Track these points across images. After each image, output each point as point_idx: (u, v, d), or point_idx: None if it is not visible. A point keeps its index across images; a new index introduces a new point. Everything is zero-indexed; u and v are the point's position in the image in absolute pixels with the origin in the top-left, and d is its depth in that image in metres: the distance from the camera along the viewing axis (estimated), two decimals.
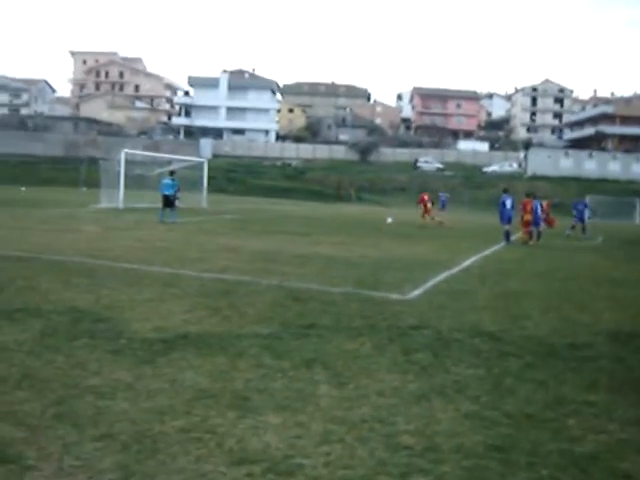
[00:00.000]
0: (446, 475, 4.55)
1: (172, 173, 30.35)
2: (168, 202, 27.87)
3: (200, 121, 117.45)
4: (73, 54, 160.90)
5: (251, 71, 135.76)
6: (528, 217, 26.59)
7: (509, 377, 6.90)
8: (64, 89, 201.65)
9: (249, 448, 4.80)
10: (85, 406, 5.45)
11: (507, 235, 25.73)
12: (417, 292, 12.05)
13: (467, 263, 17.75)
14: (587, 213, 36.28)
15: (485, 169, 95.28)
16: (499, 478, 4.56)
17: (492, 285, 13.74)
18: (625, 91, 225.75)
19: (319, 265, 15.40)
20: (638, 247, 29.82)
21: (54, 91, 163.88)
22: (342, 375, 6.62)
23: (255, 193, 72.78)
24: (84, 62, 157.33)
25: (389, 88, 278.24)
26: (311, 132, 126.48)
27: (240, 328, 8.41)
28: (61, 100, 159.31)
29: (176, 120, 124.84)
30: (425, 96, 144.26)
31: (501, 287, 13.54)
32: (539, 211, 27.72)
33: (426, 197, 37.00)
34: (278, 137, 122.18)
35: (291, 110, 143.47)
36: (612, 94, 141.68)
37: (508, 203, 25.95)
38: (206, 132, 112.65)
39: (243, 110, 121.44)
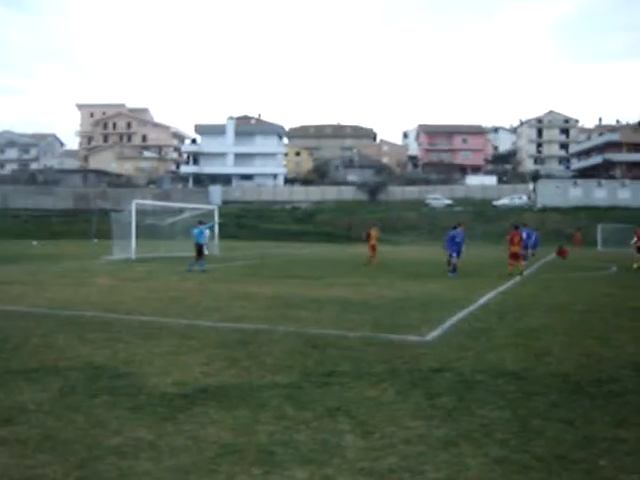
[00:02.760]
0: None
1: (201, 222, 30.29)
2: (200, 251, 27.96)
3: (208, 168, 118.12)
4: (80, 107, 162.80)
5: (257, 116, 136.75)
6: (515, 249, 26.70)
7: (536, 418, 6.78)
8: (72, 142, 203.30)
9: None
10: (108, 468, 5.36)
11: (453, 267, 26.18)
12: (435, 333, 11.93)
13: (483, 300, 17.60)
14: None
15: (495, 203, 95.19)
16: None
17: (511, 322, 13.59)
18: (630, 117, 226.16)
19: (335, 309, 15.29)
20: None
21: (62, 145, 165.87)
22: (366, 424, 6.50)
23: (266, 237, 72.93)
24: (91, 115, 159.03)
25: (395, 126, 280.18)
26: (319, 174, 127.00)
27: (260, 379, 8.31)
28: (70, 153, 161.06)
29: (184, 168, 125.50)
30: (431, 133, 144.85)
31: (520, 323, 13.40)
32: (531, 238, 29.56)
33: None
34: (286, 181, 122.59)
35: (298, 153, 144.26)
36: (617, 121, 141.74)
37: (458, 237, 26.64)
38: (215, 179, 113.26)
39: (251, 156, 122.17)
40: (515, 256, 26.70)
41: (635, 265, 32.00)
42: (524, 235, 35.59)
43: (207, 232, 29.18)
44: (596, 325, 13.37)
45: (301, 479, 5.16)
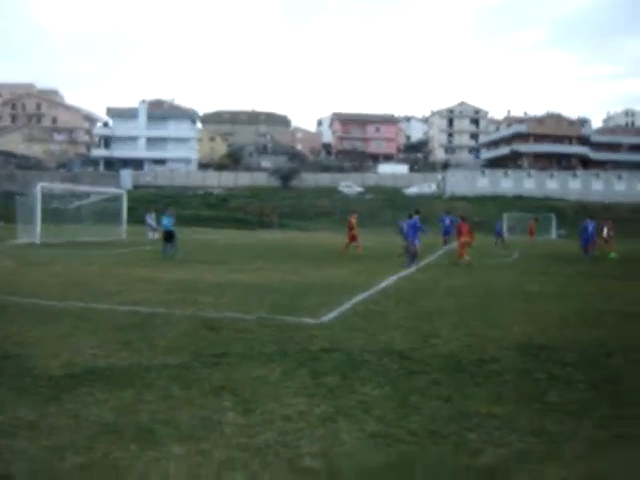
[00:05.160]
0: None
1: (168, 207, 30.20)
2: (169, 237, 27.76)
3: (120, 152, 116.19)
4: None
5: (170, 101, 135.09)
6: (464, 239, 26.76)
7: (415, 395, 7.03)
8: None
9: None
10: None
11: (413, 256, 25.74)
12: (332, 315, 12.14)
13: (384, 284, 17.96)
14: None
15: (405, 191, 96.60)
16: None
17: (406, 305, 13.95)
18: (538, 110, 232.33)
19: (236, 293, 15.37)
20: (553, 261, 30.60)
21: None
22: (249, 402, 6.63)
23: (178, 223, 71.64)
24: None
25: (309, 114, 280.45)
26: (233, 160, 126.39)
27: (150, 360, 8.34)
28: None
29: (96, 152, 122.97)
30: (344, 121, 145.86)
31: (415, 306, 13.77)
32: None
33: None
34: (200, 166, 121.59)
35: (212, 139, 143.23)
36: (525, 113, 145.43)
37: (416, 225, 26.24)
38: (126, 163, 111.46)
39: (163, 140, 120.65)
40: (464, 246, 26.74)
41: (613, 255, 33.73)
42: (447, 222, 36.48)
43: (172, 219, 28.71)
44: (488, 308, 13.85)
45: (177, 454, 5.25)
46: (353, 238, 31.60)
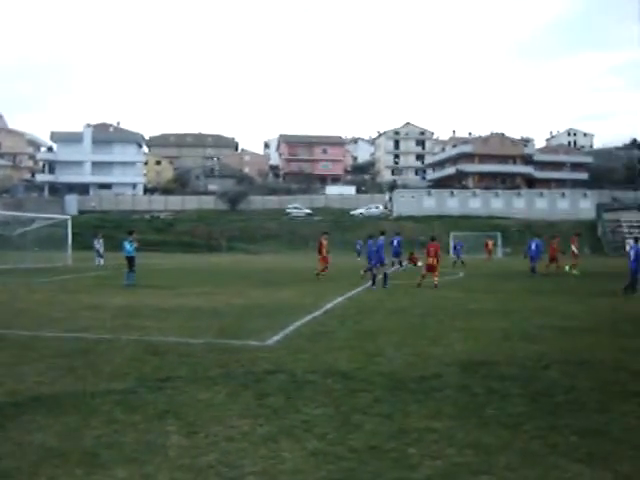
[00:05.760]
0: None
1: (131, 233, 28.81)
2: (131, 263, 26.58)
3: (65, 177, 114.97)
4: None
5: (115, 124, 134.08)
6: (431, 261, 26.19)
7: (357, 413, 7.18)
8: None
9: None
10: None
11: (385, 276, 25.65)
12: (277, 337, 12.27)
13: (330, 306, 18.15)
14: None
15: (353, 212, 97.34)
16: None
17: (351, 325, 14.16)
18: (482, 131, 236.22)
19: (181, 317, 15.39)
20: (497, 279, 31.16)
21: None
22: (193, 424, 6.71)
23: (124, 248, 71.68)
24: None
25: (256, 136, 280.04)
26: (179, 184, 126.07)
27: (94, 386, 8.36)
28: None
29: (40, 177, 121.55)
30: (292, 143, 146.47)
31: (360, 326, 13.98)
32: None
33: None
34: (146, 190, 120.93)
35: (158, 162, 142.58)
36: (470, 134, 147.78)
37: (397, 242, 26.03)
38: (71, 188, 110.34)
39: (109, 164, 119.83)
40: (431, 268, 26.23)
41: (567, 268, 34.99)
42: (395, 243, 36.73)
43: (134, 244, 27.58)
44: (431, 326, 14.12)
45: (122, 478, 5.32)
46: (325, 260, 30.72)
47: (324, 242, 30.97)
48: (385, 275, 25.76)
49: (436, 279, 25.83)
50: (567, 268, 34.84)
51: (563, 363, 10.07)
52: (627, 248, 35.59)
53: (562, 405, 7.66)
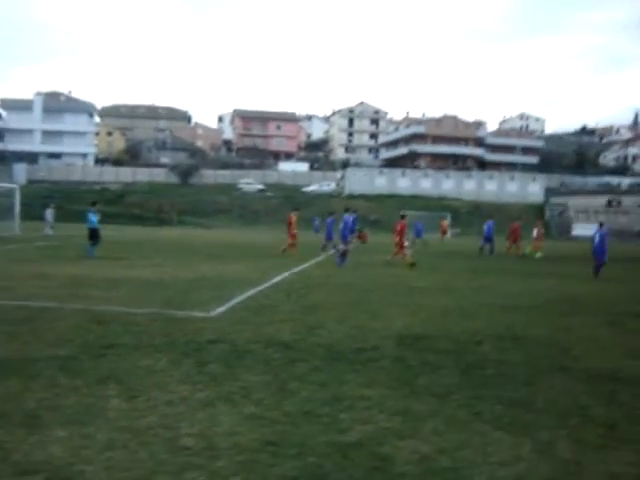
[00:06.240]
0: (220, 469, 4.99)
1: (94, 204, 28.20)
2: (94, 235, 26.08)
3: (14, 145, 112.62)
4: None
5: (67, 93, 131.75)
6: (398, 239, 26.15)
7: (294, 381, 7.45)
8: None
9: (33, 460, 5.03)
10: None
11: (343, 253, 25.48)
12: (221, 309, 12.46)
13: (277, 280, 18.38)
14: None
15: (305, 189, 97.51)
16: (268, 468, 5.05)
17: (296, 299, 14.41)
18: (436, 112, 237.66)
19: (129, 288, 15.48)
20: (444, 259, 31.68)
21: None
22: (134, 389, 6.91)
23: (74, 219, 70.64)
24: None
25: (210, 110, 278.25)
26: (131, 155, 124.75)
27: (38, 352, 8.47)
28: None
29: None
30: (246, 118, 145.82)
31: (304, 300, 14.23)
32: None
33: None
34: (97, 161, 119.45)
35: (110, 133, 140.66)
36: (423, 115, 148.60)
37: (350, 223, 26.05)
38: (20, 157, 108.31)
39: (59, 134, 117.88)
40: (400, 245, 26.18)
41: (527, 250, 36.16)
42: (350, 220, 36.90)
43: (98, 216, 27.03)
44: (374, 302, 14.45)
45: (61, 437, 5.50)
46: (293, 236, 30.15)
47: (294, 218, 30.51)
48: (344, 252, 25.64)
49: (408, 256, 25.76)
50: (527, 251, 35.85)
51: (496, 338, 10.47)
52: (576, 232, 36.99)
53: (491, 377, 8.02)
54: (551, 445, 5.80)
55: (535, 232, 37.74)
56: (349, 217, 26.59)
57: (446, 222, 59.74)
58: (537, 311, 14.02)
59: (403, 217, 27.13)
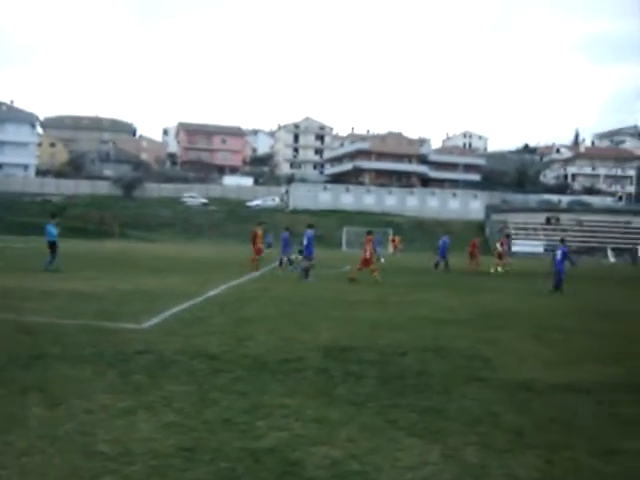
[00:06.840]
0: (133, 474, 5.16)
1: (54, 216, 27.55)
2: (53, 248, 25.51)
3: None
4: None
5: (9, 103, 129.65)
6: (367, 255, 26.00)
7: (216, 391, 7.64)
8: None
9: None
10: None
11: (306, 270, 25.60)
12: (153, 321, 12.59)
13: (213, 293, 18.51)
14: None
15: (249, 203, 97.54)
16: (181, 472, 5.24)
17: (229, 312, 14.59)
18: (380, 129, 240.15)
19: (61, 300, 15.46)
20: (386, 274, 31.99)
21: None
22: (56, 398, 7.03)
23: (13, 231, 69.79)
24: None
25: (155, 123, 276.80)
26: (74, 167, 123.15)
27: None
28: None
29: None
30: (191, 131, 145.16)
31: (237, 313, 14.42)
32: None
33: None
34: (39, 172, 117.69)
35: (53, 144, 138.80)
36: (368, 131, 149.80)
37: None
38: None
39: (0, 144, 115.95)
40: (365, 261, 25.99)
41: (492, 269, 36.42)
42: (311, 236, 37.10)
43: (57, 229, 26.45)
44: (305, 315, 14.70)
45: None
46: (258, 251, 30.25)
47: (259, 232, 30.68)
48: (307, 268, 25.75)
49: (375, 273, 25.65)
50: (492, 269, 36.44)
51: (420, 350, 10.79)
52: (515, 248, 37.54)
53: (410, 387, 8.31)
54: (459, 450, 6.07)
55: (499, 246, 38.33)
56: (311, 233, 26.82)
57: (398, 237, 60.35)
58: (466, 324, 14.38)
59: (370, 233, 27.26)
